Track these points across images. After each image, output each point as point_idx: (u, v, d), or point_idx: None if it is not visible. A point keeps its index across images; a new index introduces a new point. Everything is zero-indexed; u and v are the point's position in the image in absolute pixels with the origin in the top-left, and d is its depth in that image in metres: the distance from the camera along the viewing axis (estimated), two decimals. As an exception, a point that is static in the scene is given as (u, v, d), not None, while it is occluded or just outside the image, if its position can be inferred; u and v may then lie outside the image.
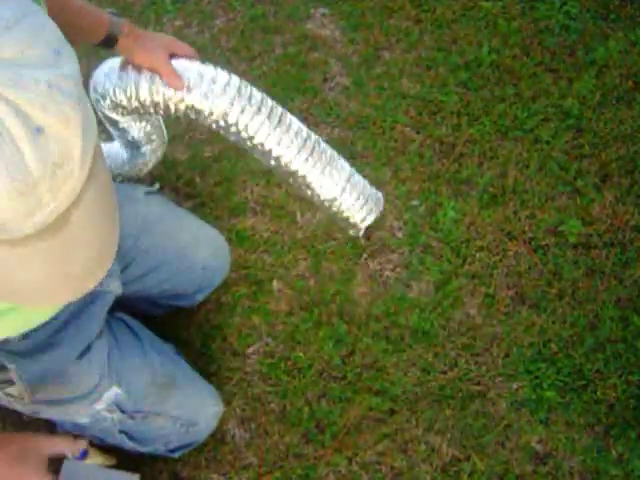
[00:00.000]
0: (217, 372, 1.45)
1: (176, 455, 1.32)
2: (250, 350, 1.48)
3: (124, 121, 1.09)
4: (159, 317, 1.45)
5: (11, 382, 0.98)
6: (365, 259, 1.55)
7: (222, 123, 0.95)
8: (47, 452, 0.91)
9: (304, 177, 0.98)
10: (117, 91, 1.00)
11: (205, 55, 1.79)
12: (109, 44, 1.00)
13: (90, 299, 1.06)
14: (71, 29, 0.97)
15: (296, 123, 0.97)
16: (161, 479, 1.37)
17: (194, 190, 1.63)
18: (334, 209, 1.03)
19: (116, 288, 1.11)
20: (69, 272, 0.53)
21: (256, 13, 1.84)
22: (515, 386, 1.43)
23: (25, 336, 0.95)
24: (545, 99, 1.71)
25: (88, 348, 1.07)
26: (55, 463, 0.91)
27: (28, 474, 0.87)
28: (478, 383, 1.43)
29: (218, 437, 1.39)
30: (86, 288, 0.57)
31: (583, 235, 1.56)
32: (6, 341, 0.93)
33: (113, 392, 1.11)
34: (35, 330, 0.96)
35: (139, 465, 1.36)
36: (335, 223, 0.90)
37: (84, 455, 1.26)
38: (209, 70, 0.95)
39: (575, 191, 1.61)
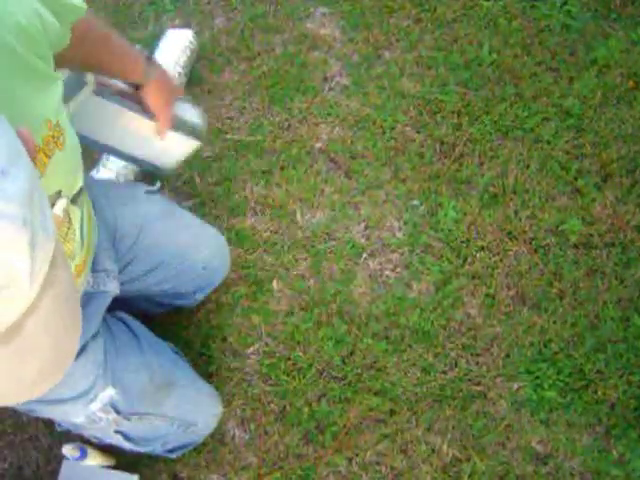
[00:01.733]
0: (217, 372, 1.45)
1: (174, 456, 1.32)
2: (250, 350, 1.47)
3: None
4: (159, 316, 1.45)
5: None
6: (365, 259, 1.55)
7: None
8: None
9: None
10: None
11: (205, 55, 1.79)
12: (135, 86, 1.11)
13: (87, 300, 1.06)
14: (105, 66, 1.06)
15: None
16: (161, 479, 1.37)
17: (194, 190, 1.63)
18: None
19: (113, 289, 1.11)
20: (23, 377, 0.51)
21: (256, 12, 1.84)
22: (516, 386, 1.43)
23: None
24: (546, 99, 1.70)
25: (83, 348, 1.07)
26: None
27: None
28: (478, 383, 1.43)
29: (218, 437, 1.39)
30: (40, 392, 0.55)
31: (584, 235, 1.55)
32: None
33: (108, 393, 1.10)
34: None
35: (138, 465, 1.36)
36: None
37: (84, 455, 1.25)
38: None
39: (576, 191, 1.60)
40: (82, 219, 0.92)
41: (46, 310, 0.49)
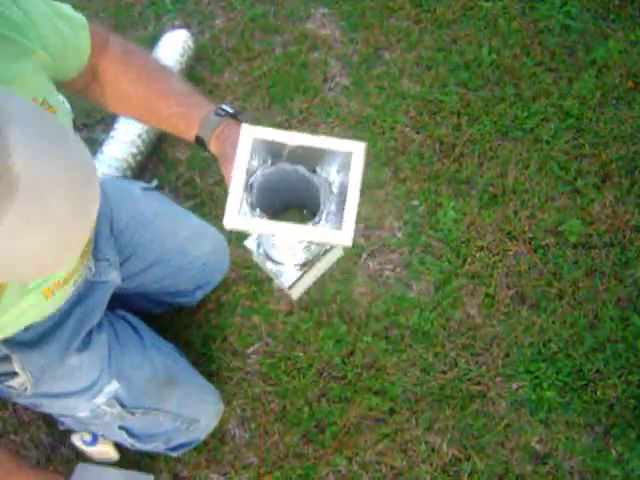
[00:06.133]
0: (217, 372, 1.45)
1: (176, 454, 1.32)
2: (250, 350, 1.48)
3: None
4: (159, 316, 1.45)
5: (13, 374, 0.98)
6: (365, 259, 1.55)
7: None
8: None
9: None
10: None
11: (205, 55, 1.79)
12: (201, 146, 0.89)
13: (90, 289, 1.07)
14: (155, 116, 0.91)
15: None
16: (161, 479, 1.38)
17: (194, 190, 1.63)
18: None
19: (115, 278, 1.12)
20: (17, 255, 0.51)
21: (256, 13, 1.84)
22: (515, 386, 1.43)
23: (27, 327, 0.95)
24: (545, 99, 1.71)
25: (89, 341, 1.08)
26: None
27: None
28: (478, 383, 1.43)
29: (218, 437, 1.39)
30: (35, 272, 0.55)
31: (583, 235, 1.56)
32: None
33: (113, 387, 1.11)
34: (37, 322, 0.97)
35: (139, 464, 1.37)
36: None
37: (95, 440, 1.26)
38: None
39: (575, 191, 1.61)
40: None
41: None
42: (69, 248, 0.54)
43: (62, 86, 0.87)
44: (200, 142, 0.88)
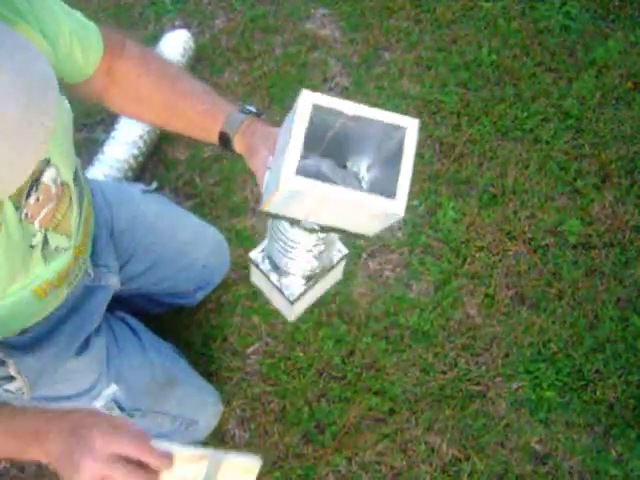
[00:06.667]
0: (217, 372, 1.45)
1: (176, 455, 1.32)
2: (250, 350, 1.48)
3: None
4: (159, 316, 1.45)
5: (10, 378, 0.98)
6: (365, 259, 1.55)
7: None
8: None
9: None
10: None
11: (205, 55, 1.79)
12: (224, 145, 0.89)
13: (89, 293, 1.07)
14: (178, 116, 0.91)
15: None
16: (161, 479, 1.37)
17: (194, 190, 1.63)
18: None
19: (114, 283, 1.12)
20: None
21: (256, 13, 1.85)
22: (515, 386, 1.43)
23: (24, 331, 0.95)
24: (545, 99, 1.71)
25: (87, 345, 1.08)
26: None
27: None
28: (478, 383, 1.43)
29: (218, 437, 1.39)
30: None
31: (583, 235, 1.56)
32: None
33: (112, 390, 1.11)
34: (33, 325, 0.96)
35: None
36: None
37: None
38: None
39: (575, 191, 1.61)
40: (81, 203, 0.91)
41: None
42: (21, 160, 0.55)
43: (78, 91, 0.86)
44: (224, 139, 0.88)
